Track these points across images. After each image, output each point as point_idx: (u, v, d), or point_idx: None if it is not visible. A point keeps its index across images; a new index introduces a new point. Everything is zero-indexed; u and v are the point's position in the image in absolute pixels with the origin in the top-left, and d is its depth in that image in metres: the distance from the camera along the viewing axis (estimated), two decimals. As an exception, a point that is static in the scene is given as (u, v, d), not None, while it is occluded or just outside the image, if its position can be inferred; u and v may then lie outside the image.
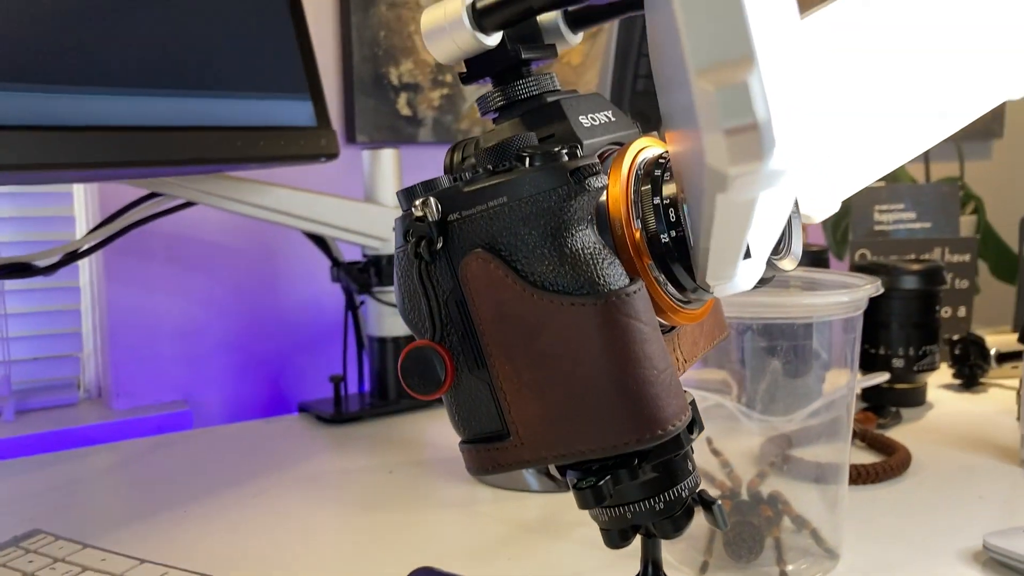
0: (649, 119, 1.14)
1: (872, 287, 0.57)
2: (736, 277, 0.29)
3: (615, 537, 0.37)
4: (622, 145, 0.39)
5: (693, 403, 0.37)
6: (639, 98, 1.11)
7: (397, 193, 0.34)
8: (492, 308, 0.32)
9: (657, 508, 0.35)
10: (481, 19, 0.36)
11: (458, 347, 0.34)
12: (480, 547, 0.63)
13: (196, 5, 0.75)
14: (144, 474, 0.80)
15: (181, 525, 0.67)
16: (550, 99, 0.38)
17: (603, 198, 0.34)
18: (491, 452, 0.34)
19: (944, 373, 1.07)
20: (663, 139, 0.41)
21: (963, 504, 0.69)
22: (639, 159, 0.37)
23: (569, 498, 0.54)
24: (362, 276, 0.97)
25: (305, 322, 1.19)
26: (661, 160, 0.36)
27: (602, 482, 0.34)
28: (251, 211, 0.90)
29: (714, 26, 0.17)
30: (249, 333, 1.16)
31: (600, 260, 0.32)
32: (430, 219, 0.33)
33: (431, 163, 1.24)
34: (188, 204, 0.89)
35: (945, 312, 1.15)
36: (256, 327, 1.16)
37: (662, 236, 0.35)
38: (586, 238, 0.32)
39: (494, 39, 0.37)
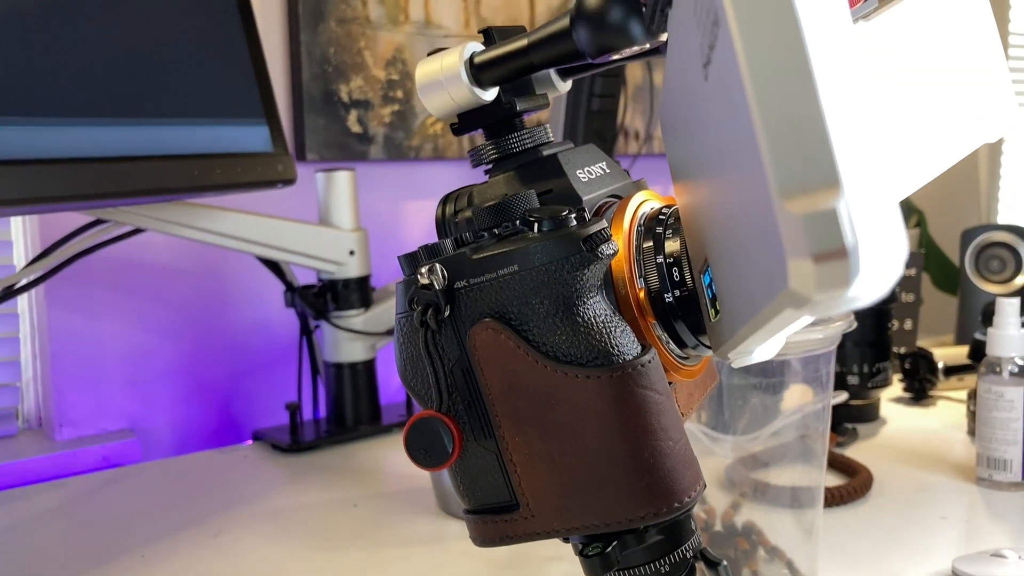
0: (604, 138, 1.14)
1: (845, 322, 0.58)
2: (755, 354, 0.28)
3: None
4: (619, 198, 0.38)
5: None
6: (594, 117, 1.11)
7: (399, 258, 0.33)
8: (502, 379, 0.31)
9: (663, 571, 0.35)
10: (480, 74, 0.35)
11: (464, 416, 0.33)
12: (454, 587, 0.62)
13: (147, 29, 0.72)
14: (95, 514, 0.77)
15: (139, 574, 0.65)
16: (545, 152, 0.37)
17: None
18: (499, 524, 0.33)
19: (894, 387, 1.09)
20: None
21: (927, 525, 0.70)
22: (639, 214, 0.36)
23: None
24: (318, 301, 0.95)
25: (255, 346, 1.16)
26: (661, 216, 0.36)
27: (610, 548, 0.34)
28: (204, 237, 0.87)
29: (799, 150, 0.16)
30: (197, 358, 1.13)
31: (613, 328, 0.31)
32: (437, 287, 0.31)
33: (382, 181, 1.23)
34: (137, 231, 0.86)
35: (892, 325, 1.18)
36: (204, 352, 1.13)
37: (666, 295, 0.34)
38: (598, 306, 0.32)
39: (491, 94, 0.36)
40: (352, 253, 0.95)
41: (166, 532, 0.72)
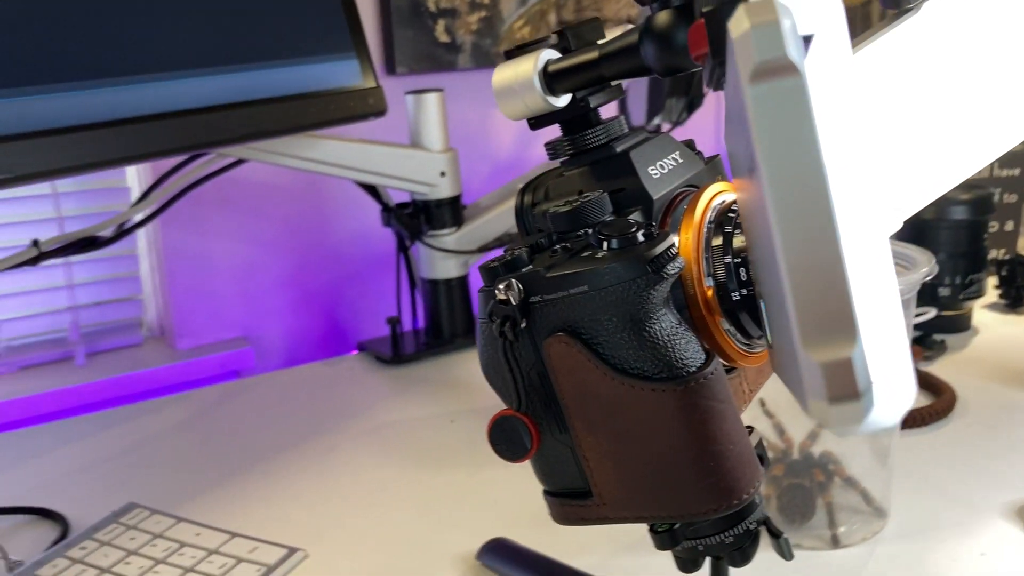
0: (690, 92, 1.12)
1: (927, 269, 0.58)
2: None
3: (687, 564, 0.40)
4: (695, 188, 0.40)
5: (760, 440, 0.39)
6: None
7: (479, 268, 0.36)
8: (574, 387, 0.34)
9: (727, 542, 0.38)
10: (552, 83, 0.37)
11: (542, 414, 0.36)
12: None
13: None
14: (216, 428, 0.85)
15: (261, 489, 0.72)
16: (619, 148, 0.39)
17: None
18: (575, 507, 0.36)
19: (990, 293, 1.07)
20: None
21: (1010, 450, 0.71)
22: (711, 207, 0.38)
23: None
24: (412, 221, 0.98)
25: (357, 257, 1.21)
26: (731, 212, 0.37)
27: (677, 525, 0.37)
28: (302, 164, 0.91)
29: (822, 305, 0.18)
30: (303, 269, 1.19)
31: (678, 340, 0.34)
32: (513, 302, 0.34)
33: (472, 90, 1.24)
34: (239, 162, 0.90)
35: (992, 227, 1.15)
36: (309, 263, 1.19)
37: (732, 294, 0.36)
38: (664, 320, 0.34)
39: (564, 100, 0.38)
40: (443, 174, 0.98)
41: (281, 447, 0.79)
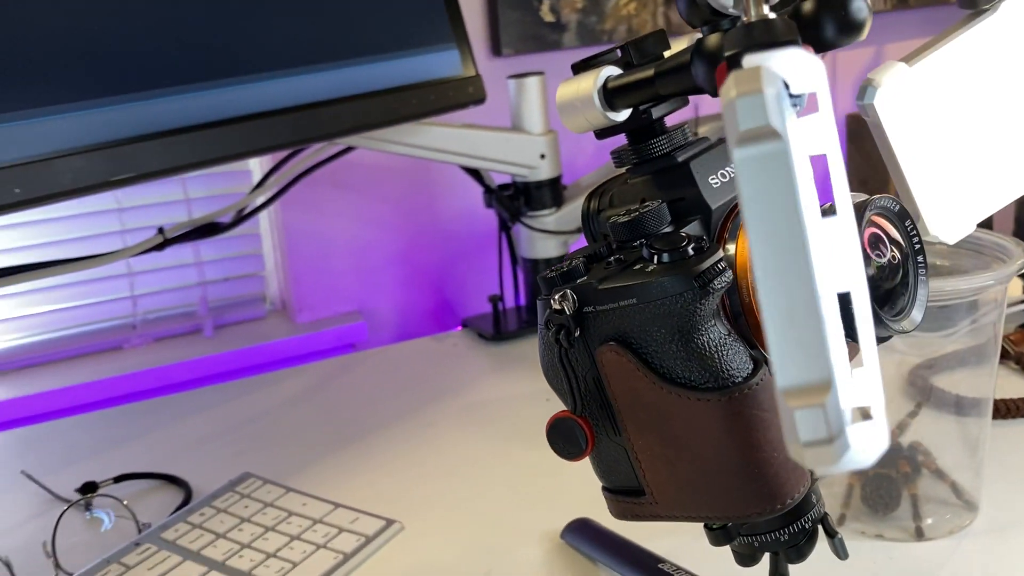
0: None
1: (1023, 261, 0.57)
2: None
3: (745, 559, 0.41)
4: None
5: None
6: None
7: (538, 278, 0.38)
8: (626, 393, 0.36)
9: (782, 539, 0.39)
10: (612, 99, 0.38)
11: (597, 416, 0.38)
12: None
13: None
14: (327, 402, 0.90)
15: (364, 461, 0.76)
16: (680, 158, 0.40)
17: (732, 263, 0.37)
18: (630, 504, 0.39)
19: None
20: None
21: (1117, 444, 0.69)
22: None
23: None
24: (513, 204, 1.01)
25: (462, 236, 1.25)
26: None
27: (730, 524, 0.39)
28: (408, 151, 0.94)
29: (799, 353, 0.20)
30: (412, 247, 1.23)
31: (726, 352, 0.35)
32: (567, 312, 0.36)
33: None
34: (349, 149, 0.94)
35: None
36: (418, 242, 1.23)
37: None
38: (712, 331, 0.35)
39: (624, 115, 0.39)
40: (543, 156, 1.00)
41: (385, 421, 0.83)
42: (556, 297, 0.37)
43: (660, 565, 0.53)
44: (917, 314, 0.38)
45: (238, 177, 1.19)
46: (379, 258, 1.22)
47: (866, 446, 0.20)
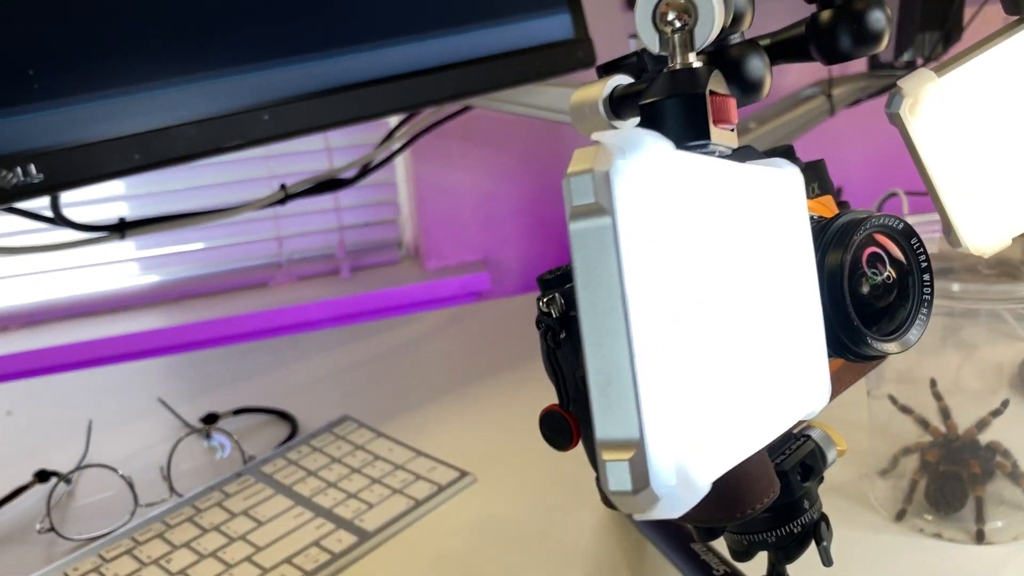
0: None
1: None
2: None
3: (739, 555, 0.43)
4: None
5: (812, 451, 0.41)
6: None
7: (537, 279, 0.40)
8: None
9: (770, 540, 0.41)
10: (619, 108, 0.40)
11: (583, 414, 0.40)
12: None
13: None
14: (437, 351, 0.96)
15: (454, 413, 0.81)
16: None
17: None
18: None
19: None
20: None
21: None
22: None
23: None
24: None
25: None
26: None
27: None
28: (525, 111, 0.97)
29: (614, 411, 0.22)
30: (537, 200, 1.26)
31: None
32: (554, 315, 0.38)
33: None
34: (466, 109, 0.98)
35: None
36: (543, 195, 1.26)
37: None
38: None
39: (631, 124, 0.40)
40: (660, 118, 1.00)
41: (483, 374, 0.88)
42: (544, 300, 0.39)
43: (692, 545, 0.55)
44: (914, 334, 0.38)
45: (375, 127, 1.25)
46: (505, 210, 1.26)
47: (676, 499, 0.22)
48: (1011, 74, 0.41)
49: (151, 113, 0.65)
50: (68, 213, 0.74)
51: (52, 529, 0.67)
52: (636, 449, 0.21)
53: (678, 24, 0.29)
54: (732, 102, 0.29)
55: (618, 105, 0.40)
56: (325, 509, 0.66)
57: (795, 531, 0.41)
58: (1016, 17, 0.41)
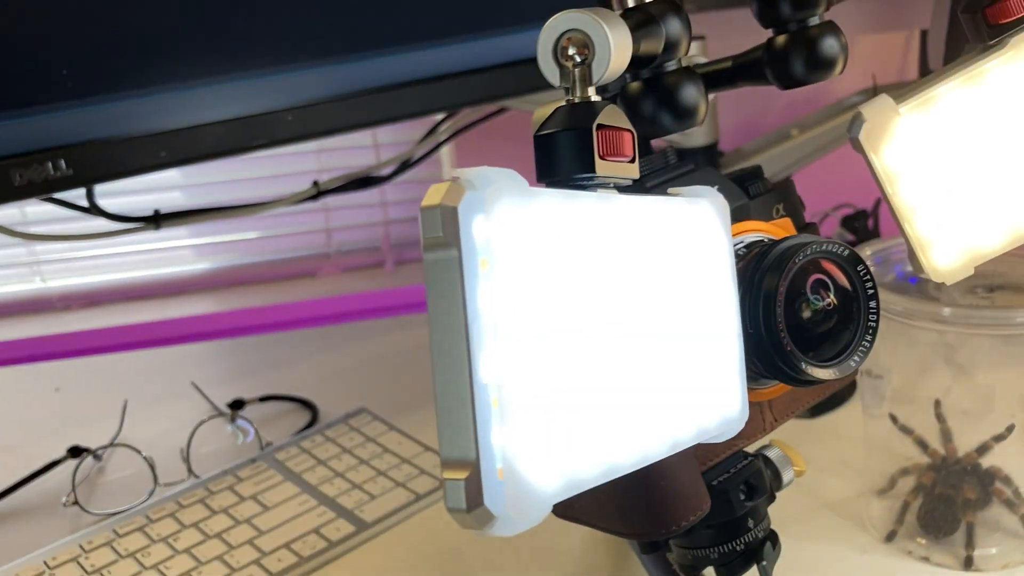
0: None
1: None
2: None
3: (686, 568, 0.43)
4: None
5: (757, 471, 0.42)
6: None
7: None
8: None
9: (712, 557, 0.41)
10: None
11: None
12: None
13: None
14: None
15: (471, 410, 0.83)
16: (649, 184, 0.41)
17: None
18: (562, 504, 0.41)
19: None
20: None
21: None
22: None
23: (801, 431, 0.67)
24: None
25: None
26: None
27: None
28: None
29: (453, 433, 0.23)
30: (581, 200, 1.27)
31: None
32: None
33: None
34: (502, 110, 0.99)
35: None
36: (587, 195, 1.26)
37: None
38: None
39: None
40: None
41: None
42: None
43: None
44: (855, 361, 0.38)
45: (427, 124, 1.27)
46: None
47: (512, 519, 0.23)
48: (974, 102, 0.40)
49: (177, 112, 0.68)
50: (126, 200, 0.78)
51: (76, 503, 0.71)
52: (471, 469, 0.23)
53: (579, 59, 0.30)
54: (626, 136, 0.30)
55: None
56: (329, 498, 0.69)
57: (738, 548, 0.41)
58: (980, 45, 0.41)
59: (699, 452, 0.40)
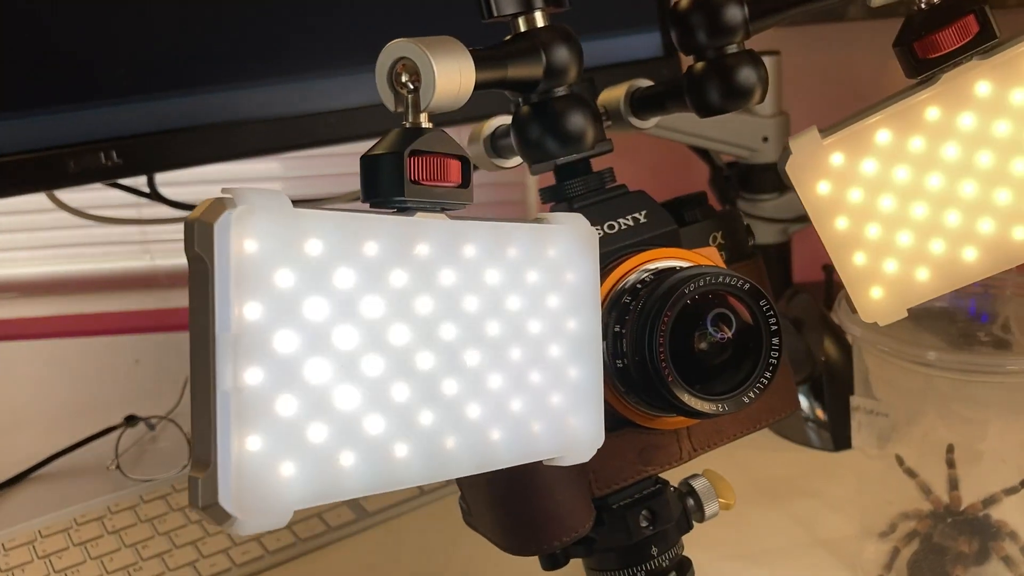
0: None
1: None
2: None
3: None
4: (648, 247, 0.41)
5: (663, 499, 0.41)
6: None
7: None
8: None
9: (616, 579, 0.41)
10: (497, 147, 0.42)
11: None
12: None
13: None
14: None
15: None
16: (578, 204, 0.42)
17: None
18: (465, 513, 0.43)
19: None
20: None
21: None
22: (632, 275, 0.40)
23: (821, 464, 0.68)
24: (724, 186, 1.00)
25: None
26: (639, 286, 0.39)
27: (559, 551, 0.41)
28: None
29: (199, 432, 0.25)
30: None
31: None
32: None
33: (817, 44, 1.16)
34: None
35: None
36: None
37: (616, 361, 0.38)
38: None
39: (513, 162, 0.42)
40: (765, 139, 0.97)
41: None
42: None
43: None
44: (750, 397, 0.37)
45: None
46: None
47: (251, 521, 0.24)
48: (904, 138, 0.38)
49: (222, 109, 0.72)
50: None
51: (118, 468, 0.77)
52: (208, 469, 0.24)
53: (411, 86, 0.31)
54: (452, 163, 0.30)
55: (498, 144, 0.42)
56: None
57: (639, 575, 0.41)
58: (914, 80, 0.39)
59: (604, 474, 0.40)
